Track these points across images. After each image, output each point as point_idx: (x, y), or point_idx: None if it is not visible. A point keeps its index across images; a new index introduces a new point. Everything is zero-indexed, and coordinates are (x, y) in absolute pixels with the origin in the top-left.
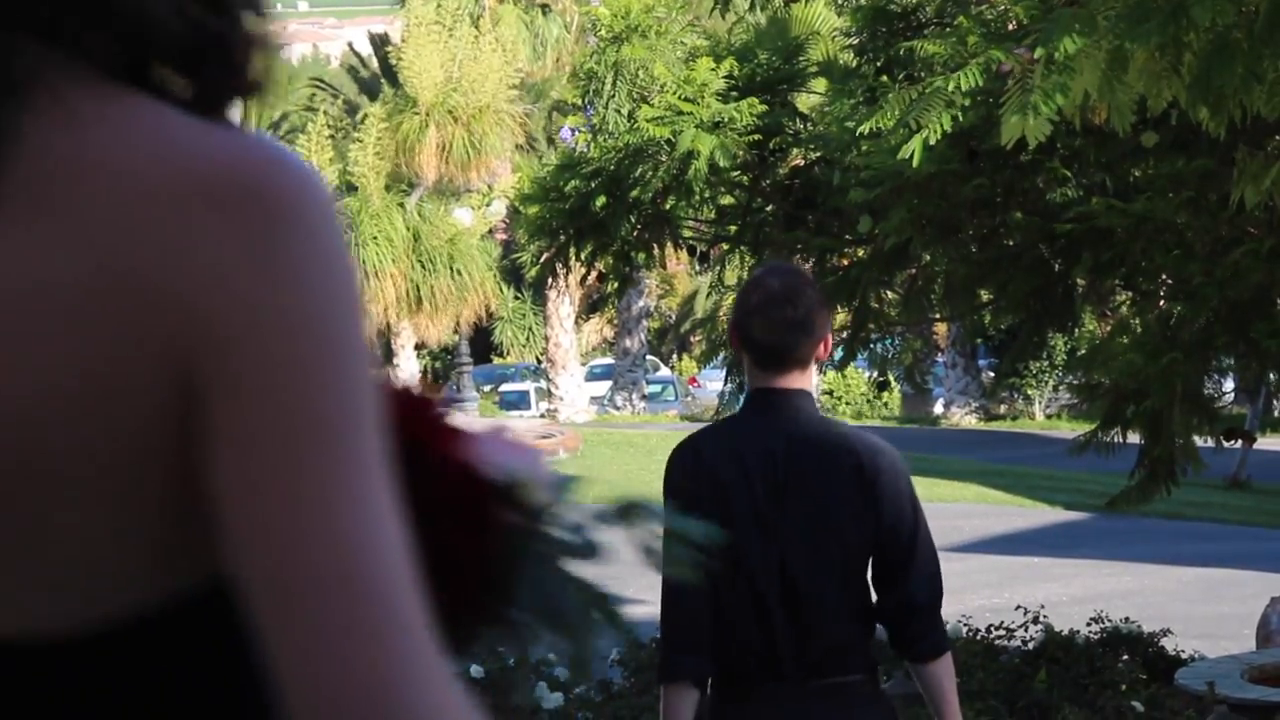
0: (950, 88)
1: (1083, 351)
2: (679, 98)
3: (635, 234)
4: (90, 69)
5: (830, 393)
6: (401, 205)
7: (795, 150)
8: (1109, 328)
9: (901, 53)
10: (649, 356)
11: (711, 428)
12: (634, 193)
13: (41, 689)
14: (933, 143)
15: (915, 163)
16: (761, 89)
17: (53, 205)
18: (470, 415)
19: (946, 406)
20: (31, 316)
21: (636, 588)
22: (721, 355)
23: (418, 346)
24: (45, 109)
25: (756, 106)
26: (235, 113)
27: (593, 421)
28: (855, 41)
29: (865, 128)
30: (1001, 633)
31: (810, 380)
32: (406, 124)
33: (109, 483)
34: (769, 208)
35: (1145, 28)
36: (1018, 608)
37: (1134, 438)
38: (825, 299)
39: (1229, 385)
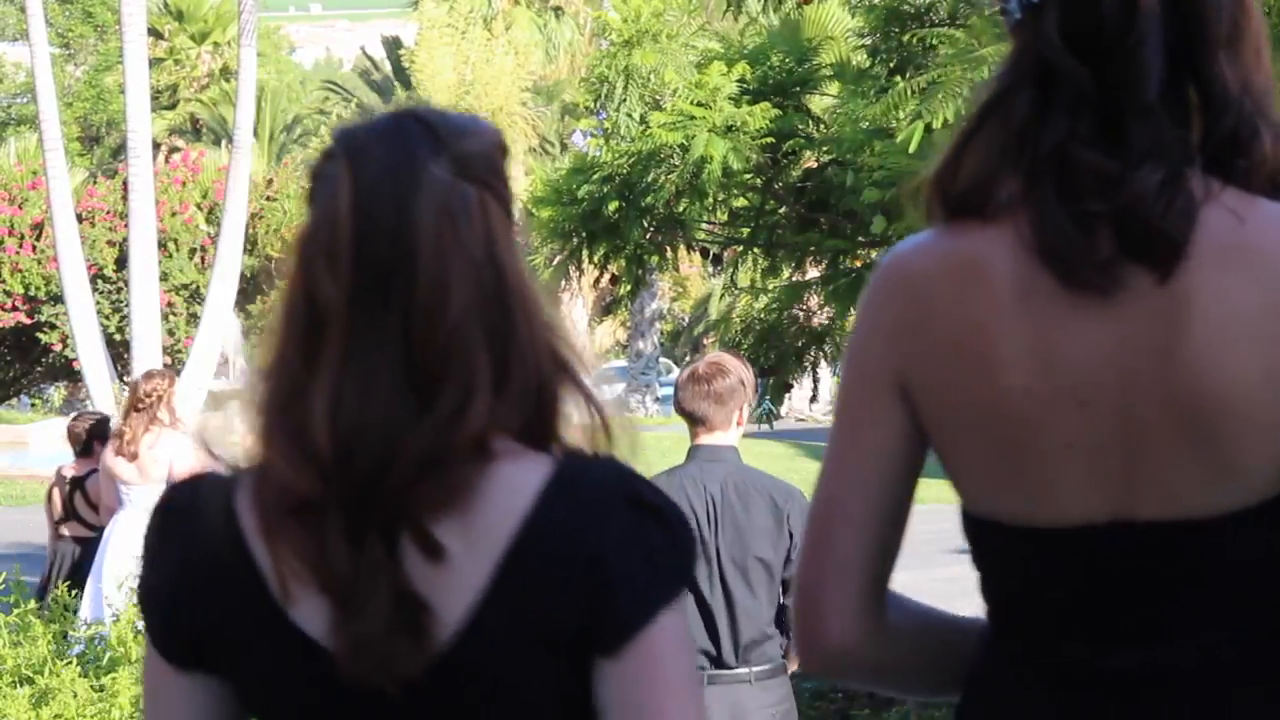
0: (960, 78)
1: None
2: (691, 102)
3: (648, 237)
4: (1236, 183)
5: None
6: None
7: (808, 152)
8: None
9: (915, 49)
10: (662, 359)
11: (665, 474)
12: (647, 198)
13: (1199, 554)
14: (936, 128)
15: (912, 148)
16: (774, 92)
17: (1230, 264)
18: None
19: None
20: (1243, 327)
21: None
22: None
23: None
24: (1215, 212)
25: (770, 111)
26: (247, 115)
27: None
28: (868, 42)
29: (873, 111)
30: None
31: (735, 437)
32: None
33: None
34: (782, 210)
35: None
36: None
37: None
38: (747, 378)
39: None
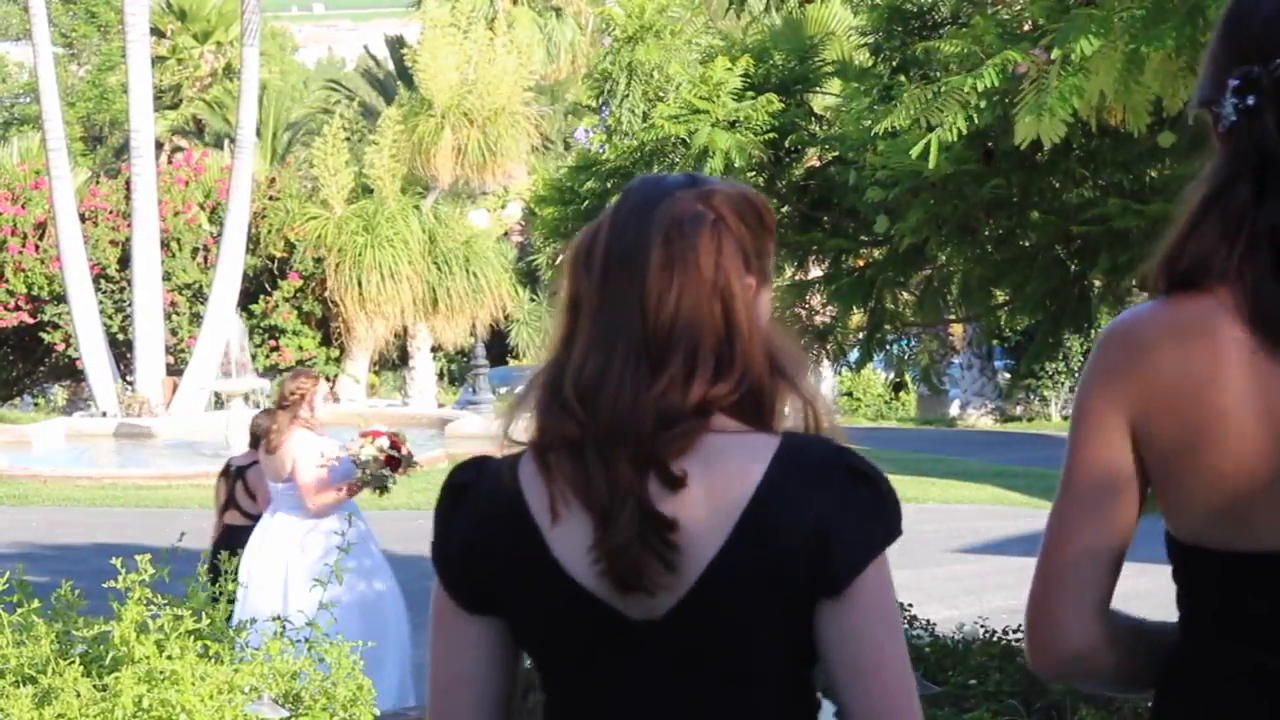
0: (966, 88)
1: None
2: (695, 96)
3: None
4: None
5: (849, 394)
6: (417, 208)
7: (811, 150)
8: None
9: (917, 53)
10: None
11: None
12: None
13: None
14: (948, 142)
15: (931, 163)
16: (777, 89)
17: None
18: (487, 418)
19: (963, 408)
20: None
21: None
22: None
23: (434, 349)
24: None
25: (773, 104)
26: (249, 115)
27: None
28: (871, 40)
29: (881, 127)
30: (1018, 634)
31: None
32: (422, 126)
33: None
34: (784, 208)
35: (1161, 29)
36: None
37: None
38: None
39: None
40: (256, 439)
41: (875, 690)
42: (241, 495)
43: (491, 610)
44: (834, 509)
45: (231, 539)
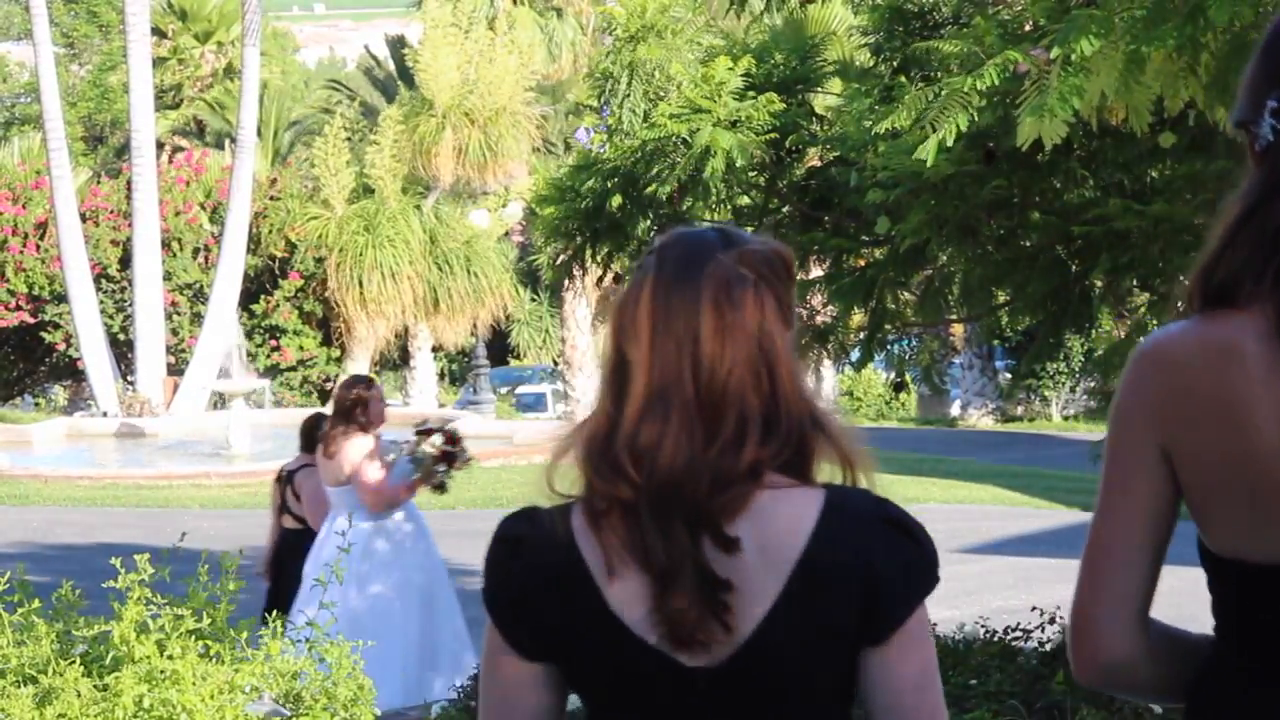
0: (966, 88)
1: (1100, 353)
2: (697, 95)
3: (652, 234)
4: None
5: (850, 394)
6: (418, 207)
7: (812, 150)
8: (1126, 329)
9: (918, 53)
10: None
11: None
12: (650, 189)
13: None
14: (949, 144)
15: (930, 163)
16: (778, 89)
17: None
18: (488, 418)
19: (963, 408)
20: None
21: None
22: None
23: (435, 349)
24: None
25: (774, 103)
26: (250, 115)
27: None
28: (871, 40)
29: (881, 127)
30: (1019, 634)
31: None
32: (423, 126)
33: None
34: (785, 208)
35: (1162, 30)
36: (1034, 609)
37: None
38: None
39: None
40: (310, 442)
41: None
42: (291, 499)
43: (546, 657)
44: (880, 560)
45: (285, 543)
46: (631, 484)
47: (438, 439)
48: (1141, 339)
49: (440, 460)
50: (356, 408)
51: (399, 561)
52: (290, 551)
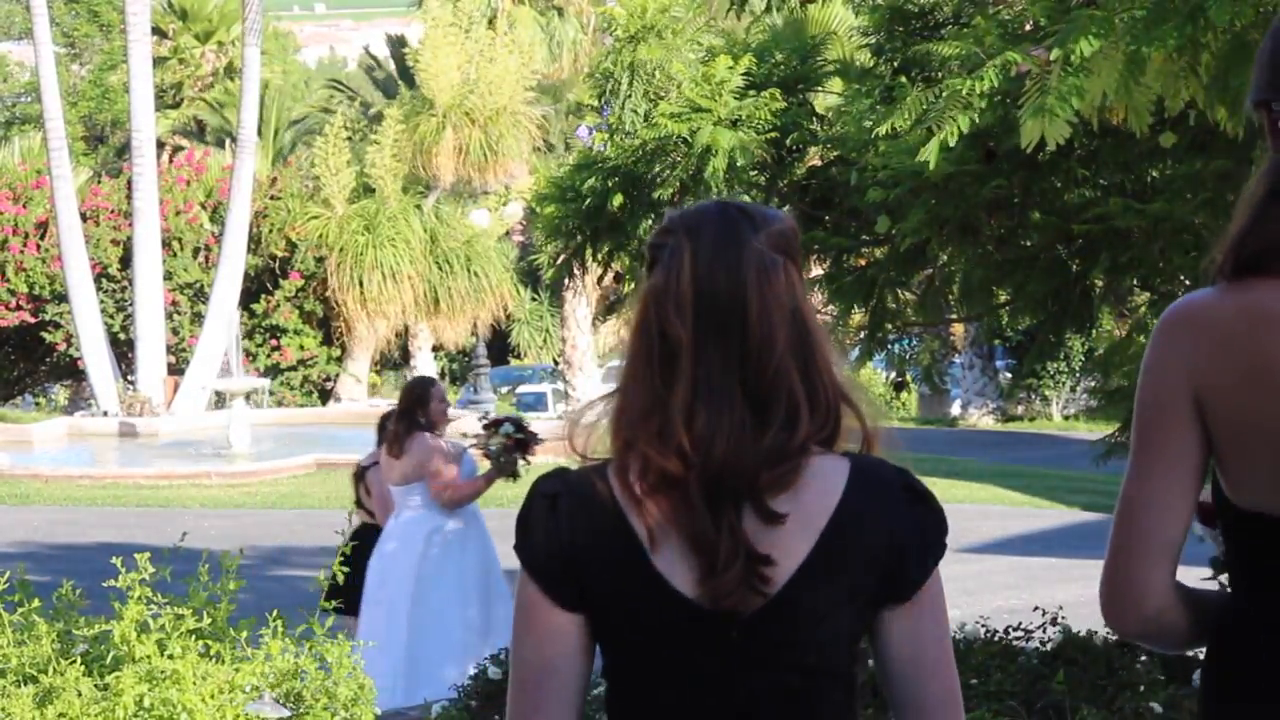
0: (966, 90)
1: (1100, 352)
2: (697, 95)
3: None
4: None
5: None
6: (418, 207)
7: (812, 150)
8: (1127, 328)
9: (919, 53)
10: None
11: None
12: (653, 193)
13: None
14: (951, 144)
15: (932, 164)
16: (778, 88)
17: None
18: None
19: (964, 407)
20: None
21: None
22: None
23: (435, 349)
24: None
25: (776, 99)
26: (251, 114)
27: None
28: (872, 41)
29: (882, 128)
30: (1019, 634)
31: None
32: (423, 126)
33: None
34: (786, 207)
35: (1162, 30)
36: (1035, 609)
37: None
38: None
39: None
40: (381, 437)
41: (940, 679)
42: (363, 494)
43: (582, 607)
44: (902, 525)
45: (360, 536)
46: (685, 461)
47: (508, 428)
48: (1165, 310)
49: (514, 448)
50: (420, 407)
51: (457, 555)
52: (361, 545)
